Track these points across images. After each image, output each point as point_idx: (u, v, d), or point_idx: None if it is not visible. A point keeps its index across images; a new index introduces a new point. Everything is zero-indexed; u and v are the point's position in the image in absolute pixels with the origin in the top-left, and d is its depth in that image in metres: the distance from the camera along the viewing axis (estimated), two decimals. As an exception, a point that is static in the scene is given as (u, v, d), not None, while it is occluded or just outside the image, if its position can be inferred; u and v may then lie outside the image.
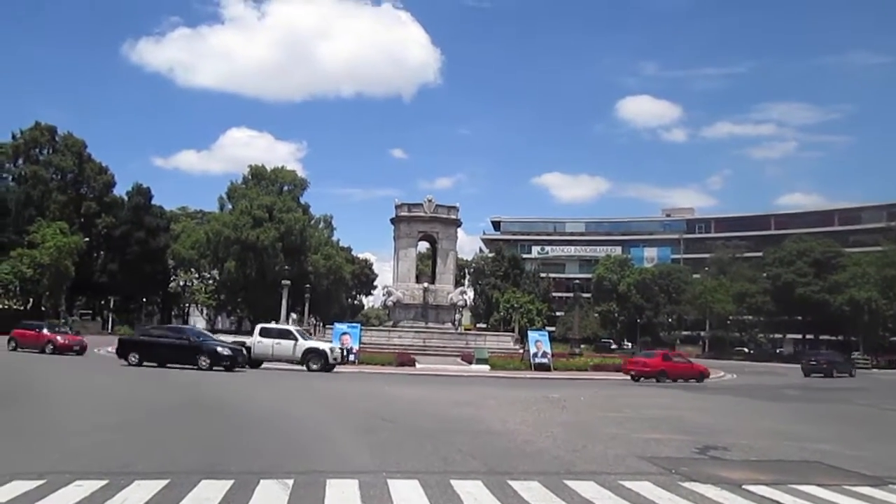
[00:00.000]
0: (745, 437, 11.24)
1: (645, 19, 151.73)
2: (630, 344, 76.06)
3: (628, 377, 28.23)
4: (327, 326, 44.01)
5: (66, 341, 28.79)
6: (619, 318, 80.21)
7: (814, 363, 38.44)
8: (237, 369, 22.79)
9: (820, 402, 20.48)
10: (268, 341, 25.45)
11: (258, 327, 27.15)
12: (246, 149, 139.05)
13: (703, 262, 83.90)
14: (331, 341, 29.11)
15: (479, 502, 6.53)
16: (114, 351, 25.10)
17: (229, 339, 27.70)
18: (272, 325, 29.67)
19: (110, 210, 67.19)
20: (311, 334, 59.51)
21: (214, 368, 22.27)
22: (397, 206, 44.27)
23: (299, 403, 14.28)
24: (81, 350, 28.71)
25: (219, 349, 22.84)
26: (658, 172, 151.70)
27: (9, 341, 29.29)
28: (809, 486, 7.66)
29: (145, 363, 22.71)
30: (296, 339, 25.69)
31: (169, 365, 22.50)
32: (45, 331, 29.33)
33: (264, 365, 25.39)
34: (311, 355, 25.17)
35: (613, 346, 73.16)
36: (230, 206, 67.39)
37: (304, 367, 24.82)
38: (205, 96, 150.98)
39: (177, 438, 9.21)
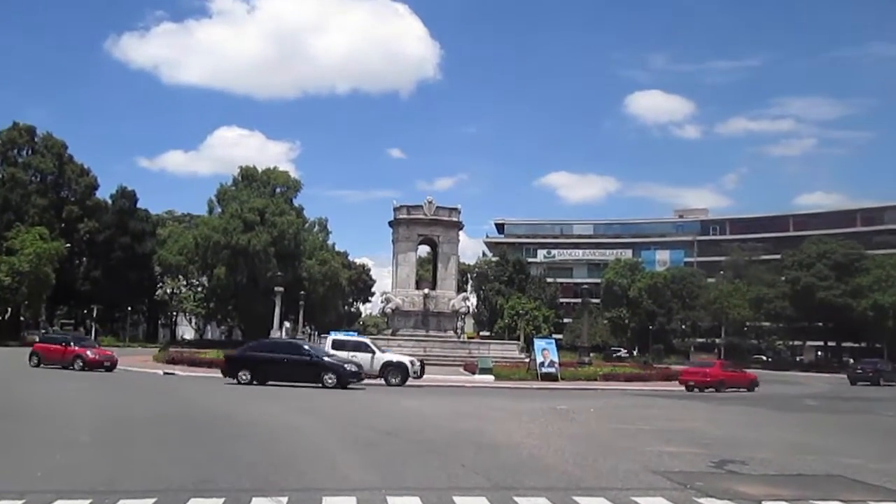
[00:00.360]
0: (764, 450, 11.24)
1: (654, 10, 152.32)
2: (634, 351, 76.08)
3: (681, 388, 28.62)
4: (322, 335, 44.07)
5: (97, 356, 27.80)
6: (630, 325, 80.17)
7: (860, 371, 38.54)
8: (350, 386, 22.38)
9: (843, 412, 20.47)
10: (342, 354, 25.14)
11: (330, 339, 27.00)
12: (236, 149, 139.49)
13: (718, 265, 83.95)
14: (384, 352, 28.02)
15: (483, 520, 6.55)
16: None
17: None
18: (344, 335, 29.96)
19: (93, 214, 67.31)
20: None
21: (330, 385, 21.94)
22: (396, 209, 44.30)
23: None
24: (112, 366, 27.67)
25: (346, 366, 22.88)
26: (670, 171, 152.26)
27: (30, 357, 28.37)
28: (832, 502, 7.65)
29: (256, 382, 22.12)
30: (373, 352, 25.75)
31: (286, 383, 21.99)
32: (72, 345, 28.32)
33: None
34: (390, 369, 25.22)
35: (624, 354, 73.09)
36: (219, 210, 67.35)
37: (383, 382, 24.63)
38: (192, 94, 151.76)
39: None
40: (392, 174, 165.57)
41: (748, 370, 33.60)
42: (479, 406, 17.92)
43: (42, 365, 27.54)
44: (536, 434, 12.52)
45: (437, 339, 40.27)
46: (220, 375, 23.67)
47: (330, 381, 22.12)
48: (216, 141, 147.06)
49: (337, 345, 26.05)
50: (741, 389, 28.74)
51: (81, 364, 27.20)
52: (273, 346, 24.62)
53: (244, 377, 22.35)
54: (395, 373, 25.11)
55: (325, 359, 23.11)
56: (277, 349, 23.70)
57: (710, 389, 28.11)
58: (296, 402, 17.20)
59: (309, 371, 22.34)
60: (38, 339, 31.38)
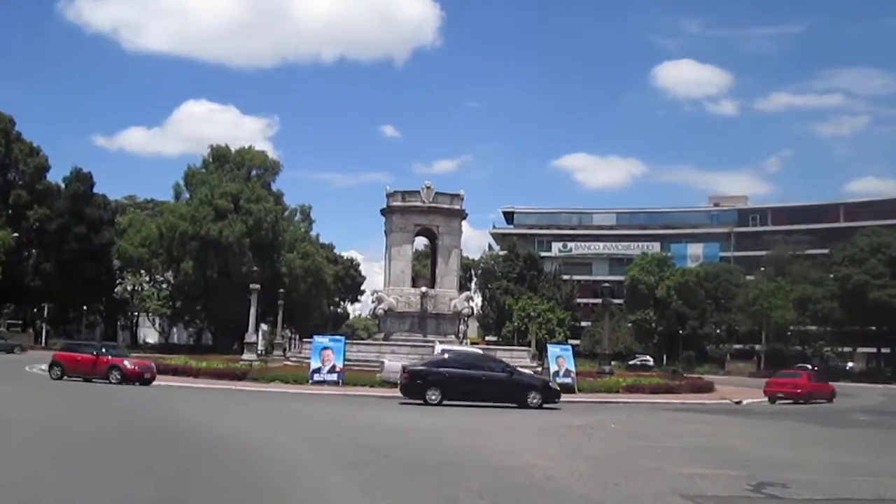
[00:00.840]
0: (808, 471, 11.29)
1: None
2: (662, 359, 76.16)
3: (767, 401, 29.48)
4: (305, 340, 44.13)
5: (136, 367, 26.97)
6: (657, 329, 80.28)
7: None
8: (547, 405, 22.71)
9: (898, 429, 20.51)
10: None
11: (440, 349, 26.89)
12: (206, 125, 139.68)
13: (757, 260, 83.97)
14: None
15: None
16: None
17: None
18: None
19: (43, 200, 67.29)
20: (286, 349, 59.86)
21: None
22: (389, 195, 44.23)
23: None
24: (151, 378, 26.85)
25: (550, 384, 23.30)
26: (704, 153, 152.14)
27: (51, 367, 27.81)
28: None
29: (446, 402, 21.82)
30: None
31: (481, 403, 21.96)
32: (104, 353, 27.69)
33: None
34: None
35: (650, 363, 73.24)
36: (187, 195, 67.46)
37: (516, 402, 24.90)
38: (156, 62, 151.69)
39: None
40: (385, 155, 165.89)
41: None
42: (484, 421, 17.97)
43: (66, 377, 26.80)
44: (550, 453, 12.55)
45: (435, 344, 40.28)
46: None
47: (535, 400, 22.43)
48: (183, 116, 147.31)
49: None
50: (821, 401, 30.37)
51: (119, 376, 26.31)
52: (462, 359, 24.41)
53: (433, 397, 22.02)
54: (535, 393, 25.26)
55: (525, 374, 23.44)
56: (468, 364, 23.65)
57: (801, 402, 29.58)
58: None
59: (512, 390, 22.52)
60: (58, 347, 30.85)
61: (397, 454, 11.69)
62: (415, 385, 22.47)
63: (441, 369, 22.87)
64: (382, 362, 25.98)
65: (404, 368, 23.57)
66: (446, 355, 25.70)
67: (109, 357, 27.40)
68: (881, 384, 54.92)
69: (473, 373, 22.66)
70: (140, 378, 26.52)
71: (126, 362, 27.26)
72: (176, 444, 12.07)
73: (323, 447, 12.52)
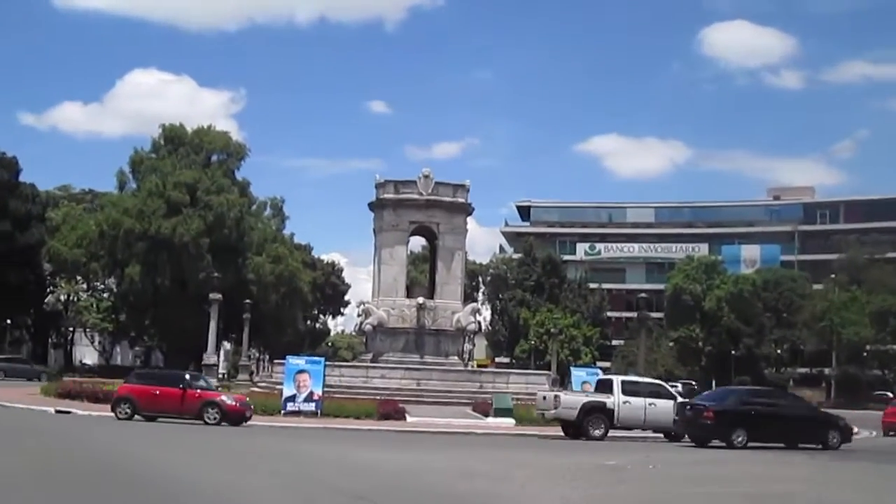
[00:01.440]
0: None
1: None
2: (710, 384, 75.87)
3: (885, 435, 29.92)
4: (276, 361, 44.03)
5: (237, 404, 26.40)
6: (705, 349, 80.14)
7: None
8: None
9: None
10: (637, 401, 26.00)
11: (617, 381, 27.48)
12: (155, 100, 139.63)
13: (827, 265, 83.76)
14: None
15: None
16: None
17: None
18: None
19: (-42, 191, 67.16)
20: (253, 373, 59.75)
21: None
22: (379, 186, 44.22)
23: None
24: (249, 416, 26.52)
25: (843, 420, 24.99)
26: (761, 135, 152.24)
27: (116, 404, 26.43)
28: None
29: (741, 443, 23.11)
30: (674, 398, 26.82)
31: (778, 445, 23.21)
32: (194, 385, 26.83)
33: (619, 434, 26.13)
34: None
35: (697, 389, 73.07)
36: (133, 185, 67.36)
37: (680, 440, 25.74)
38: (95, 24, 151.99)
39: None
40: (374, 137, 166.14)
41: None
42: (494, 461, 17.87)
43: (137, 416, 26.08)
44: (576, 502, 12.44)
45: (435, 367, 40.25)
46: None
47: (835, 441, 24.00)
48: (128, 89, 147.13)
49: (628, 387, 26.83)
50: None
51: (218, 415, 25.57)
52: (759, 394, 26.51)
53: (739, 439, 23.31)
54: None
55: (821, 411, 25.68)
56: (766, 397, 25.73)
57: None
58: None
59: (815, 429, 24.32)
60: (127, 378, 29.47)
61: None
62: (721, 427, 23.69)
63: (743, 408, 24.34)
64: (556, 395, 26.61)
65: (591, 407, 25.27)
66: (619, 383, 26.96)
67: (200, 391, 26.59)
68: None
69: (779, 410, 24.48)
70: (242, 416, 25.97)
71: (225, 398, 26.69)
72: (111, 490, 11.95)
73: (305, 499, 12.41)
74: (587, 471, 16.70)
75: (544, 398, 27.39)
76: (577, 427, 25.59)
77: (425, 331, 41.75)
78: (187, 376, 28.01)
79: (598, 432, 25.36)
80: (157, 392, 26.31)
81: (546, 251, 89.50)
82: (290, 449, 19.42)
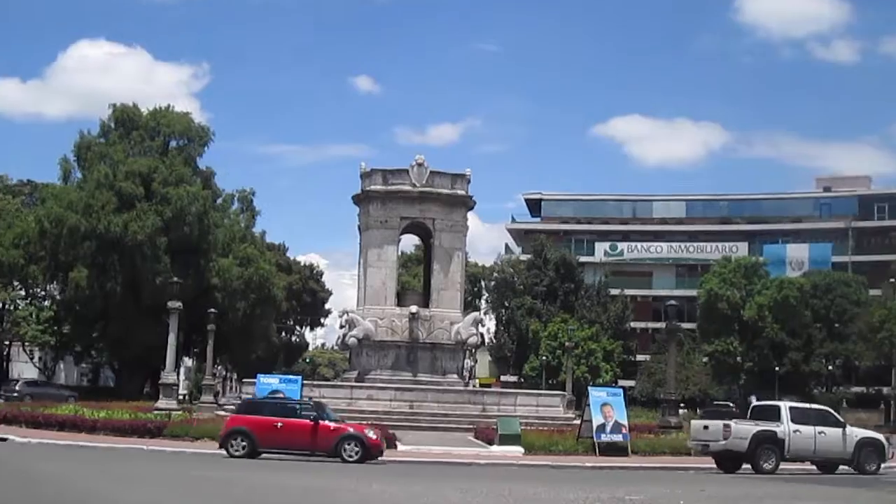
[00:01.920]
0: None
1: None
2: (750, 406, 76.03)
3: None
4: (246, 380, 44.05)
5: (378, 437, 26.21)
6: (744, 365, 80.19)
7: None
8: None
9: None
10: (807, 430, 26.42)
11: (785, 406, 27.85)
12: (104, 76, 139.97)
13: (886, 267, 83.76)
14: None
15: None
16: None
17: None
18: (802, 403, 31.93)
19: None
20: (219, 393, 59.77)
21: None
22: (365, 175, 44.33)
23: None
24: (383, 450, 26.68)
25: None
26: (810, 116, 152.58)
27: (229, 439, 25.73)
28: None
29: None
30: (842, 425, 27.28)
31: None
32: (325, 416, 26.50)
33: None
34: (868, 450, 26.80)
35: (735, 411, 73.10)
36: (79, 176, 67.36)
37: (857, 469, 26.28)
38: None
39: None
40: (359, 119, 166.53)
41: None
42: (498, 498, 17.95)
43: (258, 454, 25.48)
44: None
45: (430, 386, 40.35)
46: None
47: None
48: (72, 63, 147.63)
49: (797, 414, 27.19)
50: None
51: (359, 450, 25.20)
52: None
53: None
54: (871, 457, 26.78)
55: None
56: None
57: None
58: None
59: None
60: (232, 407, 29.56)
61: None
62: None
63: None
64: (726, 425, 27.01)
65: (763, 437, 25.66)
66: (787, 409, 27.19)
67: (334, 423, 26.31)
68: None
69: None
70: (380, 451, 26.04)
71: (368, 431, 26.13)
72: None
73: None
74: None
75: (705, 428, 27.77)
76: (746, 460, 26.02)
77: (419, 344, 41.83)
78: (309, 406, 27.60)
79: (768, 465, 25.69)
80: (280, 424, 25.63)
81: (559, 251, 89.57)
82: (273, 484, 19.45)
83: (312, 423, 25.44)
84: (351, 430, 25.79)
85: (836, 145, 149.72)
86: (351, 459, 24.79)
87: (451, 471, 24.59)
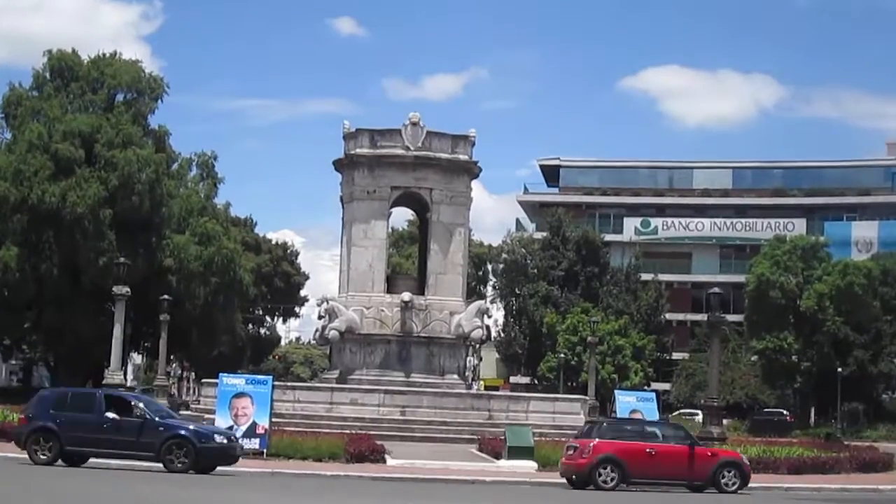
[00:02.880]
0: None
1: None
2: (810, 414, 76.17)
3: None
4: (206, 381, 44.02)
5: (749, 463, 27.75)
6: (801, 365, 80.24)
7: None
8: None
9: None
10: None
11: None
12: (37, 16, 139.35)
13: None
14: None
15: None
16: None
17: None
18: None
19: None
20: (175, 395, 59.63)
21: None
22: (348, 136, 44.27)
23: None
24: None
25: None
26: (879, 68, 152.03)
27: (598, 468, 25.72)
28: None
29: None
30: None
31: None
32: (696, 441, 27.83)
33: None
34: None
35: (789, 420, 73.30)
36: (7, 136, 67.35)
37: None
38: None
39: None
40: (340, 68, 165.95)
41: None
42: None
43: (627, 485, 26.00)
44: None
45: (426, 389, 40.38)
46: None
47: None
48: None
49: None
50: None
51: (737, 479, 26.15)
52: None
53: None
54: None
55: None
56: None
57: None
58: None
59: None
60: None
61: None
62: None
63: None
64: None
65: None
66: None
67: (712, 449, 27.53)
68: None
69: None
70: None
71: (745, 458, 27.40)
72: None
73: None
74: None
75: None
76: None
77: (412, 339, 41.86)
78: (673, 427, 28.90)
79: None
80: (653, 451, 26.18)
81: (581, 228, 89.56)
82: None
83: (689, 447, 26.25)
84: (732, 457, 26.85)
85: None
86: (730, 488, 25.84)
87: (450, 490, 24.83)
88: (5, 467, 23.69)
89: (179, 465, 24.25)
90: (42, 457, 24.66)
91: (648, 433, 27.44)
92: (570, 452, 26.57)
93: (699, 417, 69.26)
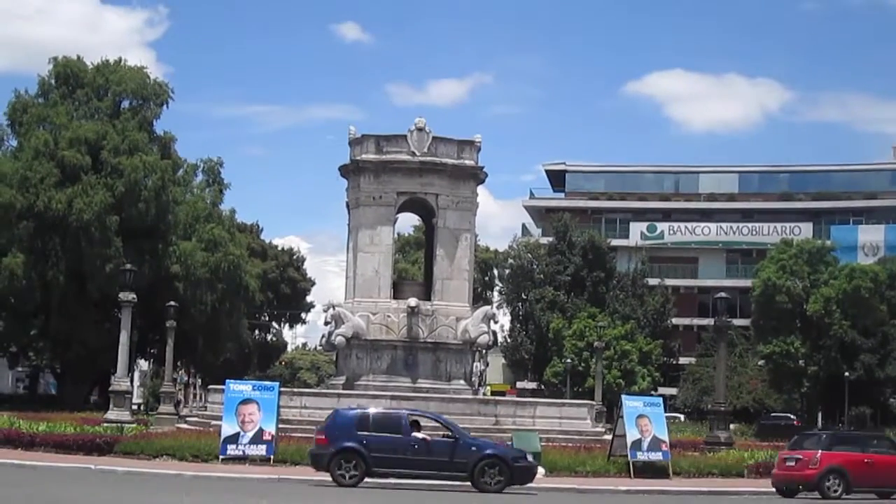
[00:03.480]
0: None
1: None
2: (817, 419, 76.01)
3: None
4: (212, 387, 44.05)
5: None
6: (808, 369, 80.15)
7: None
8: None
9: None
10: None
11: None
12: (43, 23, 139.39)
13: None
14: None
15: None
16: None
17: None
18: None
19: None
20: (182, 402, 59.68)
21: None
22: (354, 142, 44.22)
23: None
24: None
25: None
26: (886, 72, 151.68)
27: (826, 481, 26.67)
28: None
29: None
30: None
31: None
32: None
33: None
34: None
35: (797, 425, 73.10)
36: (13, 143, 67.50)
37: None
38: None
39: None
40: (346, 74, 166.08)
41: None
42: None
43: (847, 493, 26.62)
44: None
45: (432, 394, 40.24)
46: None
47: None
48: (3, 7, 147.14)
49: None
50: None
51: None
52: None
53: None
54: None
55: None
56: None
57: None
58: None
59: None
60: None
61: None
62: None
63: None
64: None
65: None
66: None
67: None
68: None
69: None
70: None
71: None
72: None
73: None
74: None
75: None
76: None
77: (419, 344, 41.77)
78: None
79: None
80: (871, 461, 27.07)
81: (587, 233, 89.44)
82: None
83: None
84: None
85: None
86: None
87: (455, 498, 24.78)
88: (310, 491, 24.28)
89: (495, 485, 24.86)
90: (348, 479, 24.86)
91: (863, 444, 28.66)
92: (792, 464, 27.38)
93: (681, 418, 70.02)
